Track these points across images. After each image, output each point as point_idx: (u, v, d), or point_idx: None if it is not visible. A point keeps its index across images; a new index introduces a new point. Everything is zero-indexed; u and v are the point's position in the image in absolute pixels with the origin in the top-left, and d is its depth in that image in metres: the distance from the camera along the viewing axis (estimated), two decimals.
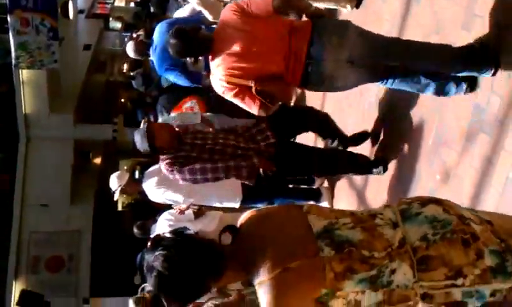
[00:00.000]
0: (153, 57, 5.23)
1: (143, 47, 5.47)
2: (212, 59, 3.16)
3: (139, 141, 3.71)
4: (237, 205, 5.01)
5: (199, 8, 4.89)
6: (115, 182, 4.98)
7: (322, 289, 1.65)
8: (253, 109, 3.17)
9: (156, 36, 5.15)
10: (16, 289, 11.86)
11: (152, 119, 6.79)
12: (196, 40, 3.23)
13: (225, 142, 3.86)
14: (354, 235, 1.74)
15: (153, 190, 4.88)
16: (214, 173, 3.77)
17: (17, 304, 10.70)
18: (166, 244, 1.71)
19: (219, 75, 3.13)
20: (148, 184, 4.87)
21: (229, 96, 3.18)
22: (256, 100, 3.09)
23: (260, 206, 5.47)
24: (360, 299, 1.69)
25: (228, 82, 3.08)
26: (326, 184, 5.24)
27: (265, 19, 2.98)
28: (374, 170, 3.96)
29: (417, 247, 1.73)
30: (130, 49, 5.55)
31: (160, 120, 6.47)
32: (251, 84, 3.02)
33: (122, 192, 4.98)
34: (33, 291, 11.19)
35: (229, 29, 3.05)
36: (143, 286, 2.95)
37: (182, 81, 5.36)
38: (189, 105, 5.93)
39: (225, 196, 4.96)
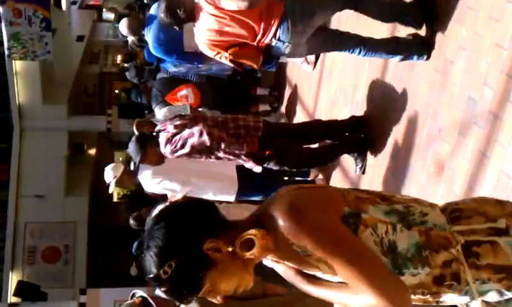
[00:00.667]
0: (148, 36, 5.19)
1: (138, 24, 5.38)
2: (195, 25, 3.65)
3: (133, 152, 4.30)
4: (232, 198, 5.02)
5: None
6: (110, 174, 4.96)
7: (344, 207, 1.50)
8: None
9: (152, 12, 5.12)
10: (13, 280, 11.89)
11: (144, 101, 6.73)
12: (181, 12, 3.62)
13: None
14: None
15: (149, 181, 4.88)
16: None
17: (14, 294, 10.72)
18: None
19: (201, 39, 3.65)
20: (143, 176, 4.87)
21: (211, 55, 3.72)
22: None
23: (255, 199, 5.52)
24: (393, 239, 1.50)
25: (209, 48, 3.65)
26: (320, 176, 5.27)
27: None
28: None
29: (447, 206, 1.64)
30: (123, 26, 5.41)
31: (153, 106, 6.43)
32: (226, 54, 3.61)
33: (117, 183, 4.96)
34: (30, 282, 11.21)
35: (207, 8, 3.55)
36: (133, 292, 2.98)
37: (182, 62, 5.37)
38: (184, 93, 5.94)
39: (221, 188, 4.97)
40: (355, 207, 1.52)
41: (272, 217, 1.49)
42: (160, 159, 4.36)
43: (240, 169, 4.74)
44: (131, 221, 5.66)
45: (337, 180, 4.94)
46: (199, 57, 5.23)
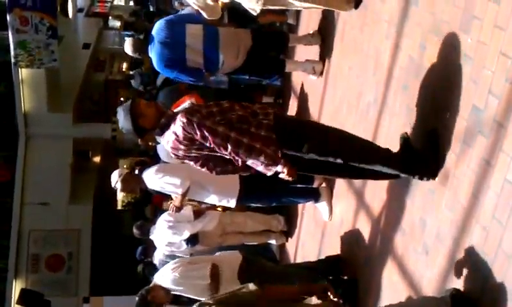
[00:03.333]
0: (152, 54, 5.24)
1: (141, 44, 5.47)
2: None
3: (122, 118, 3.46)
4: (232, 204, 5.01)
5: (196, 7, 4.91)
6: (116, 177, 5.02)
7: None
8: None
9: (155, 33, 5.16)
10: (17, 288, 11.87)
11: None
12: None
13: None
14: None
15: (152, 176, 4.94)
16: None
17: (17, 302, 10.71)
18: None
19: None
20: (147, 173, 4.93)
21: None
22: None
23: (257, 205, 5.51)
24: None
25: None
26: (324, 184, 5.26)
27: None
28: None
29: None
30: (128, 46, 5.56)
31: None
32: None
33: (123, 183, 4.99)
34: (33, 290, 11.20)
35: None
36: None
37: (183, 78, 5.40)
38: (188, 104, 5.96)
39: (223, 189, 4.96)
40: None
41: None
42: (157, 117, 3.90)
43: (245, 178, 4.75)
44: (135, 230, 5.68)
45: (342, 189, 4.92)
46: (200, 73, 5.27)
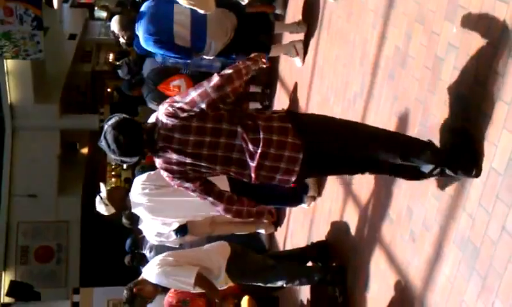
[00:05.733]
0: (139, 31, 5.21)
1: (128, 21, 5.40)
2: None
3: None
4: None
5: (189, 7, 4.86)
6: (99, 202, 4.92)
7: None
8: None
9: (143, 9, 5.15)
10: (6, 280, 11.85)
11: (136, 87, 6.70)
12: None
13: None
14: None
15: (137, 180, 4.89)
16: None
17: (7, 294, 10.70)
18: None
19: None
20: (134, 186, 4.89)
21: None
22: None
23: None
24: None
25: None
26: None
27: None
28: None
29: None
30: (114, 23, 5.45)
31: (144, 95, 6.38)
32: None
33: (111, 202, 4.92)
34: (23, 282, 11.19)
35: None
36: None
37: (171, 55, 5.38)
38: (177, 83, 5.95)
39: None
40: None
41: None
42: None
43: (234, 182, 4.76)
44: (124, 220, 5.65)
45: (330, 180, 4.94)
46: (188, 51, 5.24)
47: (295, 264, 4.68)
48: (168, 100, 2.96)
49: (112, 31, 5.53)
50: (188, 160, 2.91)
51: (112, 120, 2.92)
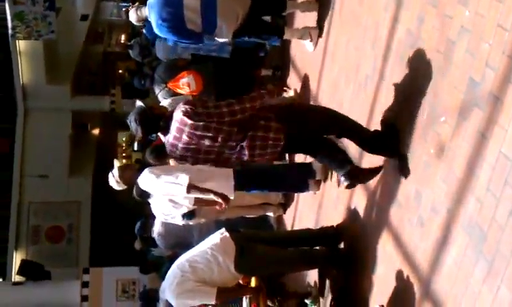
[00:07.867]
0: (151, 16, 5.25)
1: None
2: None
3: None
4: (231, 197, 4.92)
5: None
6: (112, 178, 5.02)
7: None
8: None
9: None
10: (17, 259, 11.98)
11: (148, 84, 6.74)
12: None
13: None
14: None
15: (148, 178, 4.89)
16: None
17: (18, 273, 10.81)
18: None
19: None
20: (142, 177, 4.90)
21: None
22: None
23: (254, 192, 5.52)
24: None
25: None
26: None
27: None
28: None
29: None
30: (133, 15, 5.71)
31: (156, 92, 6.47)
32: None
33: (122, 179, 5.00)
34: (34, 261, 11.30)
35: None
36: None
37: (183, 40, 5.43)
38: (186, 80, 5.93)
39: (218, 186, 4.93)
40: None
41: None
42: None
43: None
44: (135, 193, 5.52)
45: None
46: (199, 36, 5.27)
47: (303, 250, 4.70)
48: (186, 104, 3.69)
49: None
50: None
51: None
